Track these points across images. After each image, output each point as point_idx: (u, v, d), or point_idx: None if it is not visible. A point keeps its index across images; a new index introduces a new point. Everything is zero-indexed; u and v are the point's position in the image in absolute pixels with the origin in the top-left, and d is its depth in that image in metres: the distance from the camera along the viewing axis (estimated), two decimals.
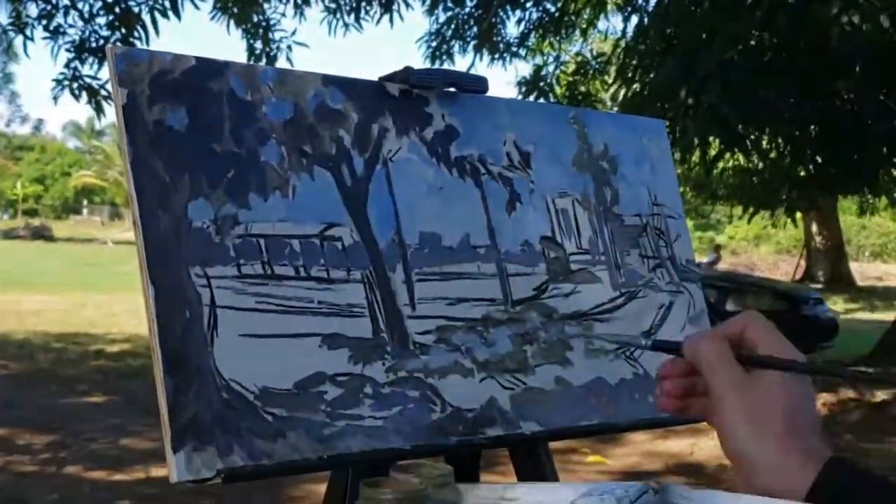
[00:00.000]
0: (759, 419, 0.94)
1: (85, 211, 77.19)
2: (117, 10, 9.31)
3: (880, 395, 9.79)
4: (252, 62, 8.96)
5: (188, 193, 1.16)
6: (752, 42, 9.02)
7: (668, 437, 8.11)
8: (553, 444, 1.46)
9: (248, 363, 1.14)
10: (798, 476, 0.90)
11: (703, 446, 7.84)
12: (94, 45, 9.36)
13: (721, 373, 0.97)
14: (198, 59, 1.22)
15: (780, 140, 10.46)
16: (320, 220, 1.25)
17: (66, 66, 9.27)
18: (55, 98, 9.27)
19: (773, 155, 10.67)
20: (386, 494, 0.97)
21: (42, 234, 46.27)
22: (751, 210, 13.66)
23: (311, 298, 1.21)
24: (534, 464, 1.42)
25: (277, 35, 11.23)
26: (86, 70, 9.36)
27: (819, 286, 24.96)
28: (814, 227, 29.18)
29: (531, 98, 10.81)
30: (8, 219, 68.39)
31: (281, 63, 10.85)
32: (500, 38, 11.95)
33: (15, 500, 6.00)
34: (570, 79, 12.43)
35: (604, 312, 1.49)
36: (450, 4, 11.62)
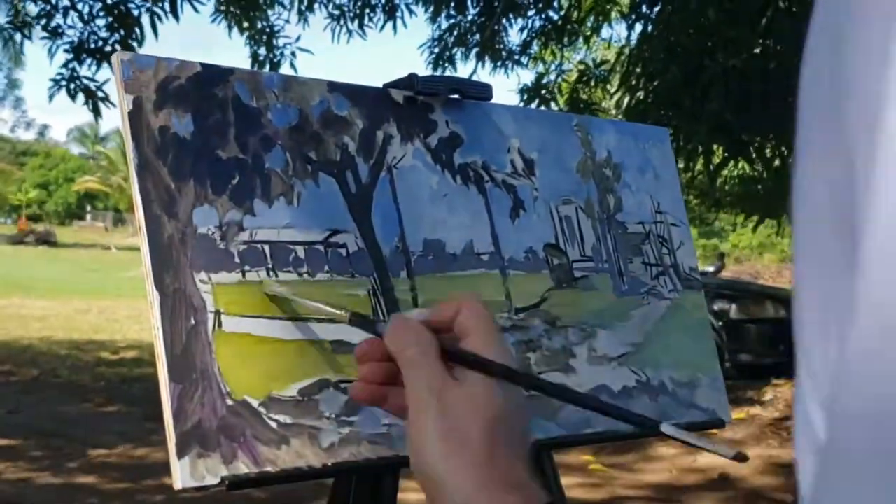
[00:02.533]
0: (455, 437, 0.77)
1: (88, 216, 77.27)
2: (116, 11, 9.31)
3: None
4: (256, 68, 8.97)
5: (193, 199, 1.16)
6: (757, 50, 9.03)
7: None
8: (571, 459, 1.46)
9: (252, 370, 1.14)
10: None
11: (706, 454, 7.82)
12: (92, 46, 9.36)
13: (418, 370, 0.82)
14: (203, 65, 1.22)
15: (783, 148, 10.45)
16: (325, 227, 1.25)
17: (64, 66, 9.26)
18: (51, 97, 9.26)
19: (777, 163, 10.67)
20: None
21: (46, 240, 46.32)
22: (755, 219, 13.66)
23: (315, 305, 1.21)
24: (538, 473, 1.42)
25: (281, 41, 11.25)
26: (84, 71, 9.37)
27: None
28: None
29: (533, 105, 10.80)
30: (11, 224, 68.45)
31: (285, 69, 10.87)
32: (502, 46, 11.95)
33: None
34: (573, 86, 12.43)
35: (607, 320, 1.49)
36: (452, 12, 11.62)
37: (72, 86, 9.27)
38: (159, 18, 9.27)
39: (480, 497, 0.75)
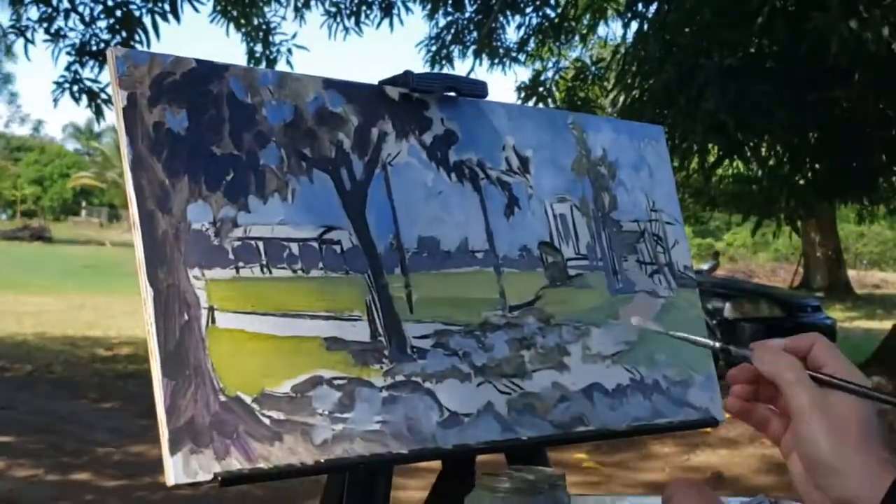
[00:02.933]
0: (838, 433, 0.98)
1: (83, 212, 77.17)
2: (118, 13, 9.32)
3: None
4: (252, 65, 8.98)
5: (187, 195, 1.16)
6: (752, 49, 9.03)
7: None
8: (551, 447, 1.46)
9: (245, 366, 1.14)
10: (878, 480, 0.95)
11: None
12: (94, 48, 9.37)
13: (802, 391, 1.02)
14: (198, 61, 1.22)
15: (778, 147, 10.46)
16: (319, 224, 1.25)
17: (67, 68, 9.28)
18: (55, 101, 9.28)
19: (771, 162, 10.67)
20: (503, 483, 1.04)
21: (41, 236, 46.24)
22: (753, 220, 13.65)
23: (309, 301, 1.21)
24: None
25: (277, 38, 11.26)
26: (86, 73, 9.38)
27: (820, 294, 24.95)
28: (812, 235, 29.17)
29: (530, 103, 10.80)
30: (6, 220, 68.36)
31: (281, 66, 10.87)
32: (499, 43, 11.96)
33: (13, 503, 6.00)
34: (570, 84, 12.44)
35: (601, 318, 1.49)
36: (450, 9, 11.62)
37: (75, 88, 9.29)
38: (163, 17, 9.27)
39: (864, 465, 0.97)
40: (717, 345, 1.16)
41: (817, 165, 10.77)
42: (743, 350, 1.09)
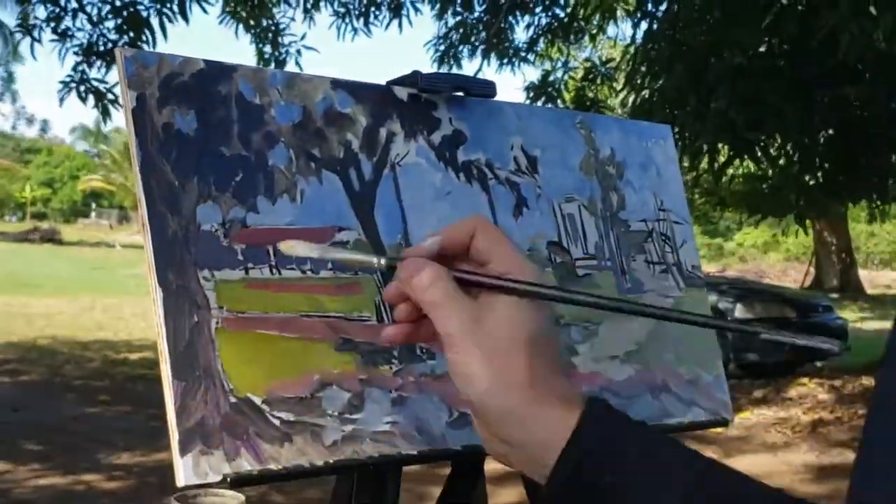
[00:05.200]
0: (500, 364, 0.81)
1: (93, 214, 77.40)
2: (125, 13, 9.34)
3: None
4: (261, 66, 8.99)
5: (197, 196, 1.16)
6: (762, 49, 9.02)
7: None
8: None
9: (255, 367, 1.14)
10: (554, 425, 0.79)
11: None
12: (101, 48, 9.39)
13: (447, 314, 0.84)
14: (207, 62, 1.22)
15: (789, 147, 10.44)
16: (328, 224, 1.25)
17: (74, 68, 9.29)
18: (61, 100, 9.30)
19: (782, 162, 10.66)
20: None
21: (51, 238, 46.36)
22: (758, 217, 13.63)
23: (318, 302, 1.21)
24: None
25: (287, 39, 11.27)
26: (93, 73, 9.40)
27: (834, 295, 24.90)
28: (823, 235, 29.12)
29: (539, 103, 10.79)
30: (16, 222, 68.56)
31: (290, 67, 10.88)
32: (508, 44, 11.95)
33: None
34: (579, 84, 12.44)
35: (609, 317, 1.49)
36: (458, 9, 11.62)
37: (81, 88, 9.31)
38: (169, 19, 9.28)
39: (530, 412, 0.80)
40: (382, 261, 0.95)
41: (827, 165, 10.75)
42: (395, 258, 0.92)
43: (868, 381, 11.41)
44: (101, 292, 22.09)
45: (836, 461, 7.90)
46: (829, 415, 9.96)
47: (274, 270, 1.19)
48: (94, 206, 78.52)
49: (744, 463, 7.48)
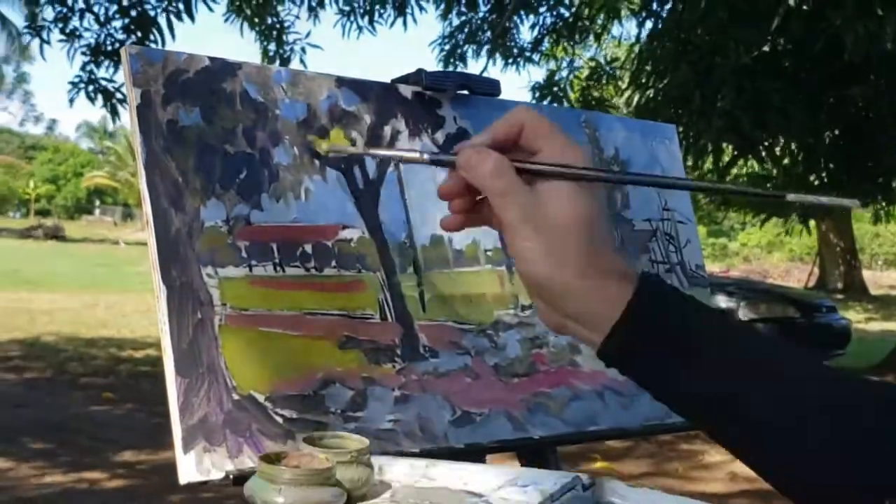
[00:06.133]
0: (556, 244, 0.86)
1: (97, 211, 77.43)
2: (133, 13, 9.35)
3: None
4: (265, 63, 8.98)
5: (201, 194, 1.16)
6: (767, 48, 9.01)
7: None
8: (566, 450, 1.46)
9: (258, 364, 1.14)
10: (610, 298, 0.86)
11: (715, 453, 7.82)
12: (109, 48, 9.40)
13: (509, 202, 0.88)
14: (211, 59, 1.22)
15: (793, 146, 10.44)
16: (332, 222, 1.25)
17: (82, 68, 9.31)
18: (71, 101, 9.32)
19: (786, 162, 10.66)
20: (282, 473, 0.92)
21: (55, 235, 46.38)
22: (762, 217, 13.63)
23: (322, 300, 1.21)
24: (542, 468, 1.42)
25: (291, 37, 11.27)
26: (101, 73, 9.41)
27: (838, 295, 24.86)
28: (828, 235, 29.09)
29: (545, 103, 10.78)
30: (21, 218, 68.62)
31: (294, 65, 10.88)
32: (513, 43, 11.95)
33: (25, 502, 6.01)
34: (584, 84, 12.43)
35: None
36: (463, 9, 11.62)
37: (90, 88, 9.32)
38: (178, 17, 9.29)
39: (588, 287, 0.86)
40: (426, 156, 0.99)
41: (832, 165, 10.75)
42: (450, 155, 0.95)
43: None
44: (105, 289, 22.09)
45: None
46: None
47: (278, 268, 1.19)
48: (98, 203, 78.57)
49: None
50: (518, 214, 0.87)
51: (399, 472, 1.07)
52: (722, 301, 13.08)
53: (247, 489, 0.93)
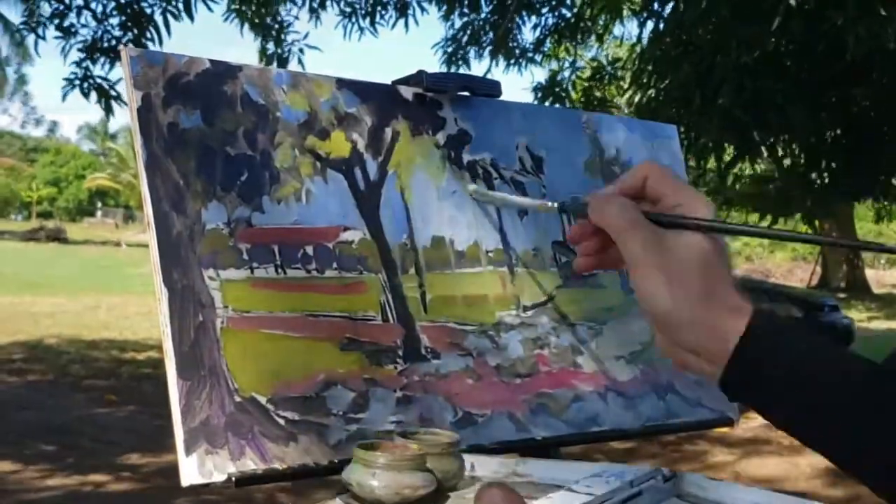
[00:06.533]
0: (678, 279, 0.91)
1: (99, 213, 77.43)
2: (129, 10, 9.34)
3: None
4: (263, 64, 8.98)
5: (202, 196, 1.16)
6: (768, 48, 9.01)
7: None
8: (569, 451, 1.46)
9: (260, 366, 1.14)
10: (724, 330, 0.90)
11: (718, 453, 7.82)
12: (105, 45, 9.39)
13: (631, 237, 0.93)
14: (212, 61, 1.22)
15: (795, 146, 10.43)
16: (333, 224, 1.25)
17: (78, 65, 9.29)
18: (64, 96, 9.30)
19: (788, 161, 10.65)
20: (377, 458, 0.97)
21: (57, 237, 46.39)
22: (769, 218, 13.63)
23: (323, 302, 1.21)
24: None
25: (290, 38, 11.26)
26: (97, 70, 9.40)
27: (841, 294, 24.83)
28: (831, 234, 29.06)
29: (547, 104, 10.78)
30: (22, 221, 68.65)
31: (293, 65, 10.88)
32: (515, 44, 11.94)
33: None
34: (586, 84, 12.43)
35: (615, 317, 1.49)
36: (465, 10, 11.62)
37: (85, 84, 9.31)
38: (175, 17, 9.28)
39: (705, 321, 0.90)
40: (554, 204, 1.09)
41: (834, 164, 10.74)
42: (580, 203, 1.01)
43: None
44: (107, 291, 22.08)
45: None
46: None
47: (279, 270, 1.19)
48: (99, 205, 78.56)
49: (758, 466, 7.46)
50: (640, 250, 0.93)
51: (489, 468, 1.13)
52: None
53: (345, 474, 0.99)
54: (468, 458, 1.09)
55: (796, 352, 0.89)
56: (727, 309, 0.90)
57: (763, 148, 9.54)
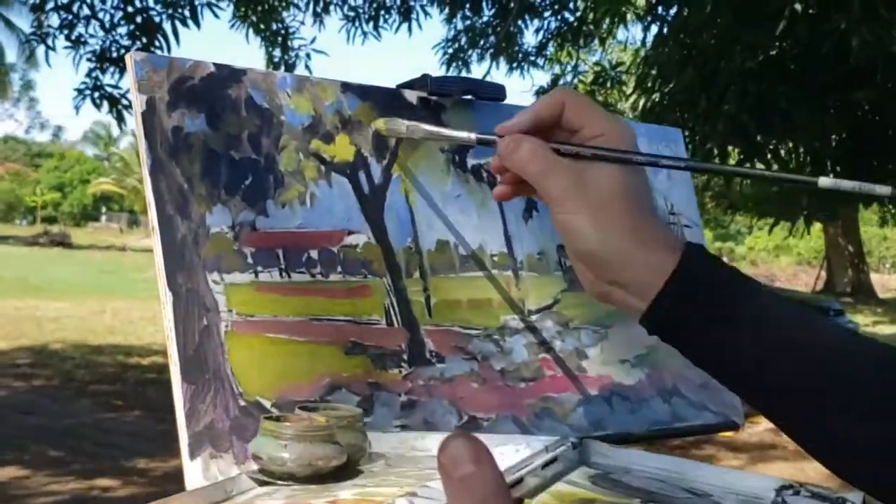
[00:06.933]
0: (603, 217, 0.89)
1: (103, 218, 77.52)
2: (138, 19, 9.37)
3: None
4: (271, 70, 8.99)
5: (206, 200, 1.16)
6: (773, 52, 9.00)
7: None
8: None
9: (264, 371, 1.14)
10: (654, 267, 0.88)
11: (723, 458, 7.81)
12: (114, 54, 9.42)
13: (551, 181, 0.92)
14: (216, 65, 1.22)
15: (800, 150, 10.43)
16: (337, 228, 1.25)
17: (88, 75, 9.33)
18: (77, 108, 9.35)
19: (792, 165, 10.64)
20: (286, 430, 0.96)
21: (61, 242, 46.44)
22: (770, 220, 13.62)
23: (327, 306, 1.21)
24: None
25: (296, 43, 11.29)
26: (107, 79, 9.43)
27: (846, 299, 24.81)
28: (835, 238, 29.06)
29: None
30: (27, 226, 68.75)
31: (300, 71, 10.89)
32: (517, 47, 11.95)
33: None
34: (589, 88, 12.43)
35: (620, 321, 1.49)
36: (468, 13, 11.63)
37: (96, 94, 9.35)
38: (183, 23, 9.31)
39: (634, 255, 0.89)
40: (473, 136, 1.06)
41: (838, 167, 10.73)
42: (491, 136, 1.00)
43: None
44: (112, 296, 22.12)
45: None
46: None
47: (284, 274, 1.19)
48: (104, 209, 78.66)
49: (764, 470, 7.46)
50: (560, 192, 0.91)
51: (388, 444, 1.11)
52: None
53: (252, 447, 0.97)
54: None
55: (726, 288, 0.88)
56: (657, 243, 0.90)
57: (767, 151, 9.52)
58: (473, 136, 1.05)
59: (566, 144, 0.94)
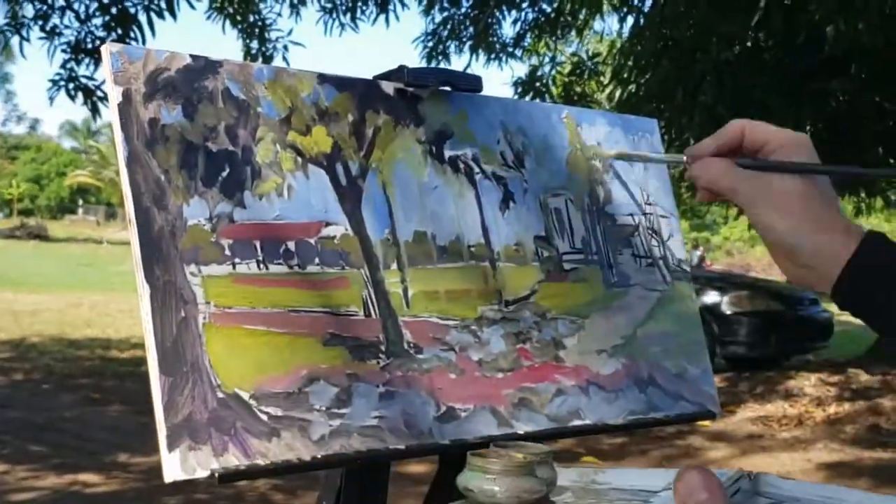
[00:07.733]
0: (787, 213, 1.08)
1: (80, 211, 77.19)
2: (114, 10, 9.32)
3: None
4: (248, 61, 8.96)
5: (183, 192, 1.16)
6: (748, 43, 9.03)
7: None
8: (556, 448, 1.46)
9: (242, 362, 1.14)
10: (839, 249, 1.06)
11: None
12: (90, 45, 9.38)
13: (740, 191, 1.12)
14: (193, 56, 1.22)
15: None
16: (315, 219, 1.25)
17: (63, 66, 9.28)
18: (51, 99, 9.30)
19: None
20: (494, 465, 1.03)
21: (38, 234, 46.20)
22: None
23: (305, 297, 1.21)
24: None
25: (273, 35, 11.26)
26: (82, 70, 9.39)
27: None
28: None
29: (527, 98, 10.79)
30: (3, 218, 68.36)
31: (277, 63, 10.86)
32: (495, 39, 11.95)
33: None
34: (567, 79, 12.45)
35: (596, 311, 1.49)
36: (446, 5, 11.62)
37: (70, 86, 9.31)
38: (159, 15, 9.27)
39: (819, 241, 1.07)
40: (685, 158, 1.23)
41: None
42: (679, 158, 1.24)
43: (855, 373, 11.43)
44: (89, 289, 22.03)
45: (848, 459, 7.87)
46: (839, 409, 9.89)
47: (261, 266, 1.19)
48: (81, 202, 78.28)
49: (757, 461, 7.47)
50: (749, 199, 1.11)
51: (569, 478, 1.26)
52: (706, 295, 13.14)
53: (460, 482, 1.05)
54: None
55: None
56: (837, 231, 1.07)
57: None
58: (672, 157, 1.37)
59: (747, 159, 1.14)
